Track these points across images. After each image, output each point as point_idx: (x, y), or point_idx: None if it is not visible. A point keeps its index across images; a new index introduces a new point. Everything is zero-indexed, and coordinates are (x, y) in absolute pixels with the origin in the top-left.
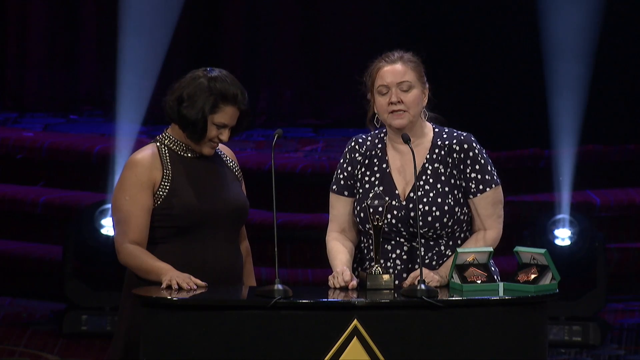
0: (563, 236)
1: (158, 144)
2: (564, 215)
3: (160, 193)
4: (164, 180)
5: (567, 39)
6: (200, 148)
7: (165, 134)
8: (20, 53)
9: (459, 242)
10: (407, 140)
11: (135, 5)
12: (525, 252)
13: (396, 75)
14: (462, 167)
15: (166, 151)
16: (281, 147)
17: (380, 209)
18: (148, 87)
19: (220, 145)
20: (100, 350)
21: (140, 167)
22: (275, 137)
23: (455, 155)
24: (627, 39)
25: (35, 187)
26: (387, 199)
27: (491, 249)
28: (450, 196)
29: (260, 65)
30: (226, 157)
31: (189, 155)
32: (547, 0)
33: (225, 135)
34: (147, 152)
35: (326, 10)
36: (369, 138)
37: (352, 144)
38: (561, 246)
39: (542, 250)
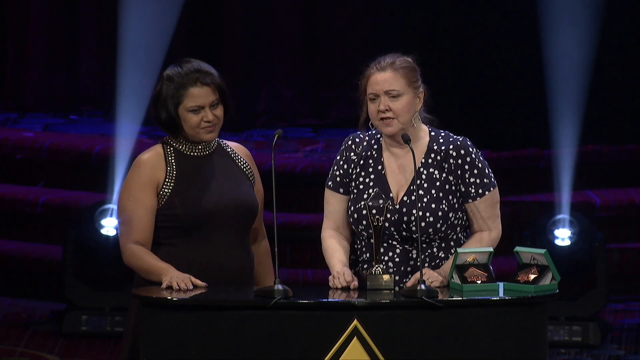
0: (563, 236)
1: (164, 144)
2: (564, 215)
3: (164, 193)
4: (167, 180)
5: (567, 38)
6: (198, 137)
7: None
8: (20, 53)
9: (452, 243)
10: (407, 141)
11: (135, 5)
12: (526, 252)
13: (384, 84)
14: (459, 172)
15: (172, 151)
16: (281, 147)
17: (380, 208)
18: (148, 87)
19: (233, 144)
20: (100, 350)
21: (143, 167)
22: (276, 137)
23: (452, 160)
24: (626, 40)
25: (35, 187)
26: (385, 198)
27: (491, 249)
28: (444, 202)
29: (260, 65)
30: (238, 155)
31: (196, 154)
32: (547, 1)
33: (209, 114)
34: (152, 152)
35: (326, 10)
36: (366, 138)
37: (349, 142)
38: (561, 246)
39: (542, 251)
